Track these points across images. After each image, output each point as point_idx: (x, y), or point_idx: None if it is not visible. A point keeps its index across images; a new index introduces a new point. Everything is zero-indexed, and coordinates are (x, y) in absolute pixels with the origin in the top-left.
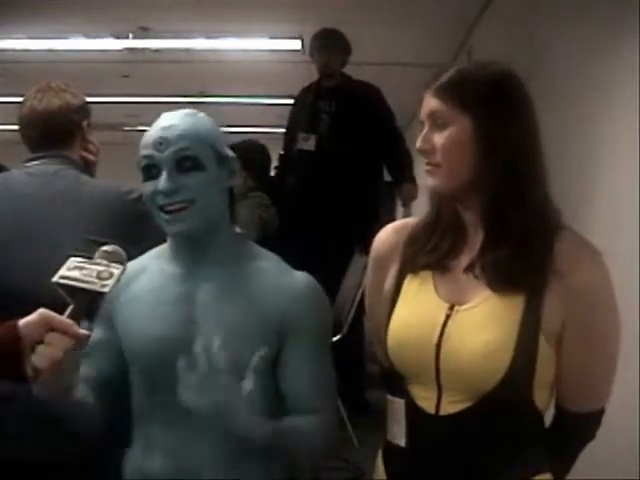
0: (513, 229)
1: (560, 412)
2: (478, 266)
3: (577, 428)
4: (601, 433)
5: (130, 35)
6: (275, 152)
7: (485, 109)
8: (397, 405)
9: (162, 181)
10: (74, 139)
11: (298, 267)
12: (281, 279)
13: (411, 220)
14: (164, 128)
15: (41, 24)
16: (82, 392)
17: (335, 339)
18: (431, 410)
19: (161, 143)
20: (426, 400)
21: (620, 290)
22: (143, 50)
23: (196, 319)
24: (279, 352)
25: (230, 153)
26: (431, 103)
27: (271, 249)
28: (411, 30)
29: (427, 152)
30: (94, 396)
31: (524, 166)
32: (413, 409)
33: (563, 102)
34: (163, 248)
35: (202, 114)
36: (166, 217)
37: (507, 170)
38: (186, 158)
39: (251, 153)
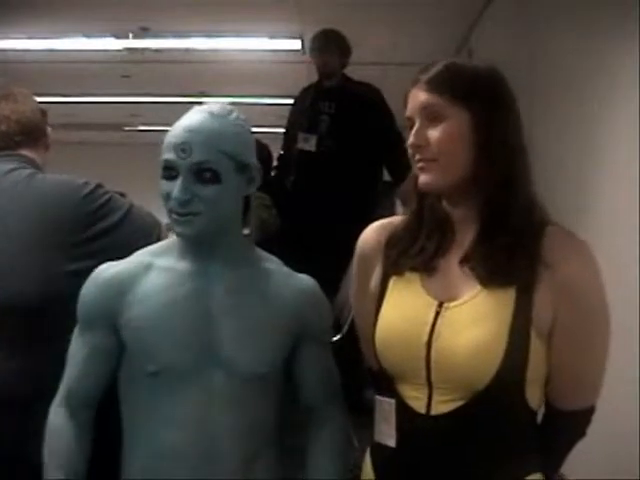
0: (510, 223)
1: (550, 410)
2: (471, 260)
3: (567, 426)
4: (601, 433)
5: (130, 35)
6: (275, 152)
7: (482, 102)
8: (386, 405)
9: (177, 190)
10: (39, 141)
11: (298, 267)
12: (292, 282)
13: (394, 219)
14: (190, 130)
15: (41, 24)
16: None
17: (335, 339)
18: (422, 410)
19: (184, 150)
20: (416, 400)
21: (620, 291)
22: (143, 50)
23: (213, 314)
24: (294, 352)
25: (253, 161)
26: (422, 97)
27: (271, 249)
28: (411, 30)
29: (420, 147)
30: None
31: (518, 160)
32: (403, 409)
33: (562, 102)
34: (169, 245)
35: (234, 115)
36: (176, 218)
37: (504, 164)
38: (205, 170)
39: None
